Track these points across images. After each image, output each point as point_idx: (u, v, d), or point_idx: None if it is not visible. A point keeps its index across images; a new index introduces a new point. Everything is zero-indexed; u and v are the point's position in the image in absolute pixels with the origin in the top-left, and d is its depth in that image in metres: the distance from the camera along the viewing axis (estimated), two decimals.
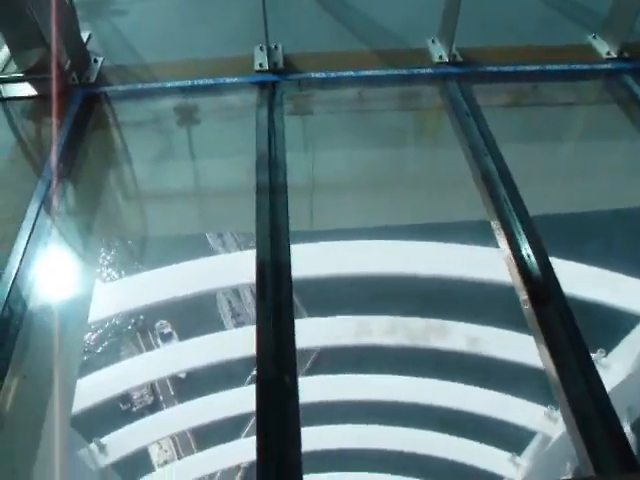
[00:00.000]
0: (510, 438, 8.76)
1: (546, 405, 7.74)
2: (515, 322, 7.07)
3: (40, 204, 3.21)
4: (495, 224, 3.00)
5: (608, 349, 6.66)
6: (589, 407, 2.24)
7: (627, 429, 6.16)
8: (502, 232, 2.94)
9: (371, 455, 10.75)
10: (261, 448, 2.10)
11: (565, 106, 4.72)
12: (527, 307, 2.62)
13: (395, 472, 10.90)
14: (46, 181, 3.34)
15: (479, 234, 4.32)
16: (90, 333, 35.83)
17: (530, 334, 2.62)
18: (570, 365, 2.39)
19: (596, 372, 2.36)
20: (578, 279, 5.95)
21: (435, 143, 4.90)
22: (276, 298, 2.62)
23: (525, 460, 8.59)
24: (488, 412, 8.35)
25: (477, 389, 8.64)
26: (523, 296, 2.66)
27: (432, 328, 7.74)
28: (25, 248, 2.97)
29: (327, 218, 4.78)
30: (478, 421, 8.34)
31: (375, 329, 7.85)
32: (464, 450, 9.59)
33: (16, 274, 2.84)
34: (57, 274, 3.26)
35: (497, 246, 3.00)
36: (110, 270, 37.81)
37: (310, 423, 11.02)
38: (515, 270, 2.74)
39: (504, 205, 3.07)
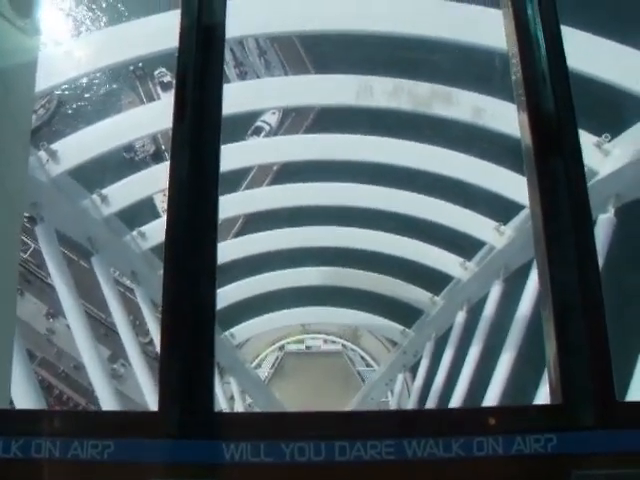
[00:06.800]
0: (497, 208, 9.09)
1: None
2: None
3: None
4: None
5: (614, 134, 6.53)
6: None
7: (610, 215, 6.35)
8: None
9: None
10: None
11: None
12: (516, 76, 2.33)
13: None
14: None
15: None
16: (86, 82, 35.18)
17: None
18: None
19: None
20: (595, 55, 5.60)
21: None
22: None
23: (509, 230, 9.00)
24: (478, 181, 8.52)
25: (472, 159, 8.72)
26: (515, 63, 2.34)
27: (437, 95, 7.52)
28: None
29: None
30: (466, 188, 8.59)
31: (377, 90, 7.63)
32: (453, 213, 10.01)
33: None
34: None
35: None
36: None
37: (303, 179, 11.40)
38: (514, 35, 2.37)
39: None
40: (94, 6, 37.54)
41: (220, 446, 1.77)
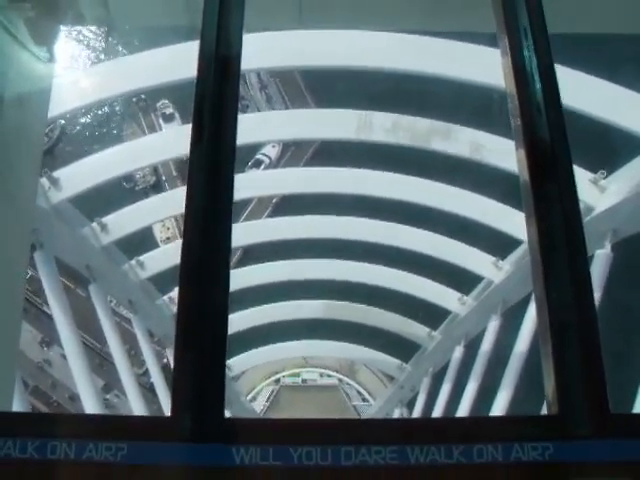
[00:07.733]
0: (495, 243, 9.15)
1: None
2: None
3: None
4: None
5: (610, 171, 6.60)
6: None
7: (607, 250, 6.39)
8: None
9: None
10: None
11: None
12: (513, 114, 2.42)
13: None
14: None
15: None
16: (89, 111, 35.59)
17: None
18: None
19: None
20: (594, 97, 5.70)
21: None
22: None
23: (507, 265, 9.07)
24: (477, 216, 8.59)
25: (471, 194, 8.79)
26: (512, 101, 2.43)
27: (436, 130, 7.62)
28: None
29: None
30: (465, 223, 8.66)
31: (377, 125, 7.72)
32: (451, 247, 10.07)
33: None
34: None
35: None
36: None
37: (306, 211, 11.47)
38: (511, 73, 2.47)
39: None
40: (106, 37, 38.14)
41: (230, 450, 1.85)
